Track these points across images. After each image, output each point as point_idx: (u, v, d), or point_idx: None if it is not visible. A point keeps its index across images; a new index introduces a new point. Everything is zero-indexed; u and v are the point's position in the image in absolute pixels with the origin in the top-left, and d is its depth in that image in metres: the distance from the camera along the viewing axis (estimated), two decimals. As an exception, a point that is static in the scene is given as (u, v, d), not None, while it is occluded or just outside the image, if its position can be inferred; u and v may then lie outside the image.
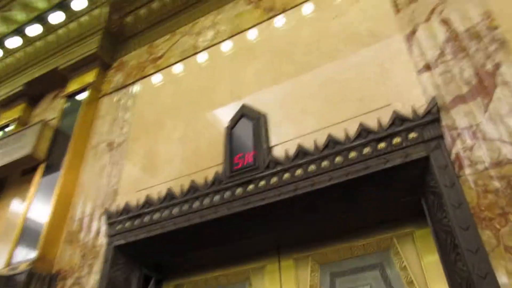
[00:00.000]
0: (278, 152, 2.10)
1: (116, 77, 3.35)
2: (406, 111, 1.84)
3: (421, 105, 1.83)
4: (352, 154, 1.85)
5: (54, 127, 3.16)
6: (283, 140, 2.15)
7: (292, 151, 2.04)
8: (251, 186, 2.05)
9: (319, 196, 1.90)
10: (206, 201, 2.14)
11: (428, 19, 2.08)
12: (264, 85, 2.44)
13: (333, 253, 2.08)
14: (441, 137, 1.70)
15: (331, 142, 1.92)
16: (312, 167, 1.93)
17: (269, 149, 2.14)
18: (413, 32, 2.08)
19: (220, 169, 2.24)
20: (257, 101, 2.38)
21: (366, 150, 1.83)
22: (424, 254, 1.85)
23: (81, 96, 3.28)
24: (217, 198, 2.12)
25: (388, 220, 2.00)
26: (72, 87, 3.41)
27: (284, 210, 2.01)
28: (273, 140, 2.18)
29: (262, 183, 2.03)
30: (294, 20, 2.61)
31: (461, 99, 1.77)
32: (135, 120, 2.90)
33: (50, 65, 3.65)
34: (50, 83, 3.69)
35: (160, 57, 3.18)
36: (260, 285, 2.20)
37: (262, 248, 2.27)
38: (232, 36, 2.86)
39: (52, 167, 2.96)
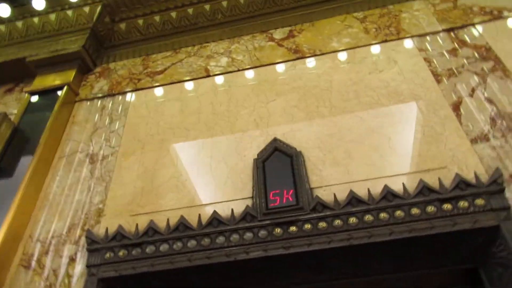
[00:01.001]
0: (321, 195, 1.93)
1: (99, 83, 2.91)
2: (466, 177, 1.83)
3: (480, 173, 1.84)
4: (415, 210, 1.75)
5: (13, 124, 2.58)
6: (326, 183, 1.98)
7: (339, 196, 1.88)
8: (293, 228, 1.82)
9: (374, 250, 1.74)
10: (235, 237, 1.84)
11: (472, 94, 2.18)
12: (295, 122, 2.29)
13: (368, 316, 1.89)
14: (509, 208, 1.70)
15: (389, 193, 1.82)
16: (368, 217, 1.78)
17: (311, 190, 1.96)
18: (459, 102, 2.16)
19: (249, 203, 1.97)
20: (290, 138, 2.20)
21: (430, 208, 1.75)
22: (472, 327, 1.77)
23: (52, 96, 2.77)
24: (249, 235, 1.83)
25: (430, 286, 1.90)
26: (41, 83, 2.87)
27: (325, 260, 1.80)
28: (313, 182, 2.00)
29: (308, 226, 1.81)
30: (325, 65, 2.57)
31: (517, 175, 1.82)
32: (127, 134, 2.49)
33: (13, 54, 3.07)
34: (7, 74, 3.09)
35: (160, 72, 2.86)
36: None
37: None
38: (252, 68, 2.71)
39: (4, 172, 2.37)
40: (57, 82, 2.85)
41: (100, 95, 2.81)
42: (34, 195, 2.25)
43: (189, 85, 2.72)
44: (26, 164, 2.37)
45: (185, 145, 2.34)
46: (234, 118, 2.41)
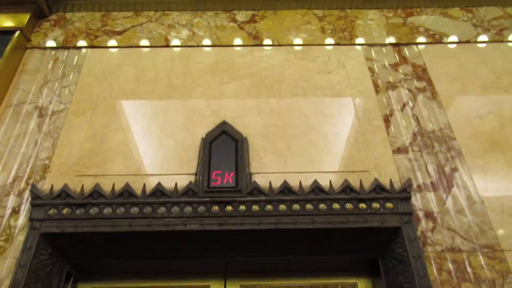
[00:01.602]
0: (258, 181, 2.14)
1: (54, 33, 2.84)
2: (383, 182, 2.13)
3: (395, 181, 2.15)
4: (336, 205, 2.03)
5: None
6: (264, 171, 2.20)
7: (274, 184, 2.11)
8: (229, 207, 2.02)
9: (298, 235, 2.01)
10: (175, 209, 2.01)
11: (402, 109, 2.47)
12: (246, 108, 2.46)
13: (281, 288, 2.19)
14: (411, 213, 2.02)
15: (317, 188, 2.07)
16: (296, 206, 2.03)
17: (251, 175, 2.16)
18: (390, 115, 2.44)
19: (192, 179, 2.14)
20: (238, 123, 2.37)
21: (348, 205, 2.03)
22: (364, 305, 2.13)
23: (1, 39, 2.66)
24: (188, 209, 2.01)
25: (338, 268, 2.22)
26: (-11, 22, 2.76)
27: (256, 239, 2.04)
28: (253, 167, 2.21)
29: (242, 207, 2.02)
30: (281, 57, 2.73)
31: (426, 187, 2.15)
32: (79, 92, 2.51)
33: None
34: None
35: (118, 33, 2.86)
36: (203, 305, 2.14)
37: (209, 269, 2.22)
38: (212, 46, 2.80)
39: None
40: (9, 24, 2.74)
41: (55, 45, 2.76)
42: (-23, 141, 2.24)
43: (146, 52, 2.76)
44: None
45: (137, 114, 2.43)
46: (188, 94, 2.52)
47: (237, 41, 2.83)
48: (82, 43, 2.78)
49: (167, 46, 2.79)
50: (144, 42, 2.80)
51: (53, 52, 2.74)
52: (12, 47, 2.61)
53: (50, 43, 2.77)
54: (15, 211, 2.03)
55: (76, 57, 2.70)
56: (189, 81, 2.59)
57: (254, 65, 2.69)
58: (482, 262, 1.91)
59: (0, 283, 1.82)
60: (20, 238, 1.94)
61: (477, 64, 2.72)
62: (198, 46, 2.81)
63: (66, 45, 2.77)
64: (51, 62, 2.67)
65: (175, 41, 2.82)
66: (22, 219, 2.00)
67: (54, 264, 1.98)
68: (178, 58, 2.73)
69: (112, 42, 2.80)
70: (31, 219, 1.97)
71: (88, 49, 2.76)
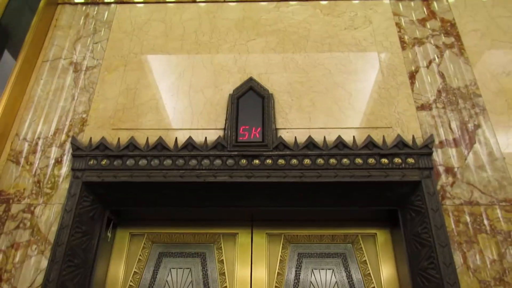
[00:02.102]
0: (284, 136, 2.23)
1: (83, -13, 2.90)
2: (406, 138, 2.19)
3: (417, 137, 2.21)
4: (359, 160, 2.12)
5: (-5, 16, 2.59)
6: (289, 126, 2.28)
7: (299, 139, 2.20)
8: (256, 161, 2.13)
9: (321, 188, 2.12)
10: (205, 162, 2.14)
11: (428, 66, 2.47)
12: (271, 65, 2.50)
13: (304, 237, 2.34)
14: (432, 168, 2.10)
15: (340, 143, 2.15)
16: (320, 160, 2.12)
17: (276, 130, 2.25)
18: (416, 71, 2.45)
19: (221, 134, 2.25)
20: (264, 79, 2.44)
21: (371, 160, 2.12)
22: (382, 254, 2.26)
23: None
24: (218, 162, 2.14)
25: (358, 219, 2.35)
26: (22, -24, 2.81)
27: (281, 191, 2.16)
28: (279, 123, 2.29)
29: (269, 161, 2.13)
30: (307, 12, 2.73)
31: (448, 143, 2.20)
32: (110, 48, 2.59)
33: None
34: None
35: (147, -12, 2.89)
36: (231, 249, 2.32)
37: (237, 217, 2.38)
38: (238, 1, 2.81)
39: (-14, 65, 2.45)
40: (40, -21, 2.80)
41: (84, 1, 2.82)
42: (19, 96, 2.38)
43: (174, 8, 2.79)
44: (10, 62, 2.45)
45: (166, 70, 2.51)
46: (215, 50, 2.58)
47: (263, -4, 2.83)
48: (110, -2, 2.84)
49: (194, 1, 2.81)
50: (170, -3, 2.84)
51: (84, 7, 2.80)
52: (45, 2, 2.68)
53: (80, -2, 2.84)
54: (58, 161, 2.19)
55: (106, 13, 2.76)
56: (216, 37, 2.64)
57: (280, 21, 2.70)
58: (499, 215, 1.99)
59: (49, 226, 2.02)
60: (64, 186, 2.12)
61: (508, 18, 2.66)
62: (224, 1, 2.82)
63: (95, 1, 2.82)
64: (82, 18, 2.75)
65: (202, -4, 2.84)
66: (64, 169, 2.17)
67: (96, 210, 2.16)
68: (205, 14, 2.75)
69: (140, -2, 2.84)
70: (73, 169, 2.14)
71: (117, 5, 2.81)
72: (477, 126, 2.25)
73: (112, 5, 2.81)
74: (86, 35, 2.66)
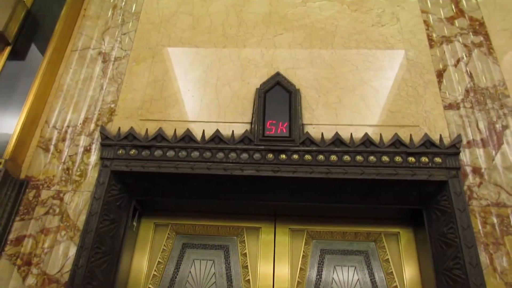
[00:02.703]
0: (310, 132, 2.24)
1: (112, -22, 2.92)
2: (433, 137, 2.18)
3: (445, 136, 2.20)
4: (385, 158, 2.12)
5: (26, 7, 2.61)
6: (316, 122, 2.28)
7: (326, 135, 2.20)
8: (283, 156, 2.14)
9: (347, 185, 2.12)
10: (232, 155, 2.15)
11: (456, 65, 2.45)
12: (298, 60, 2.50)
13: (327, 233, 2.35)
14: (459, 168, 2.09)
15: (367, 141, 2.15)
16: (346, 157, 2.13)
17: (303, 126, 2.26)
18: (444, 70, 2.43)
19: (248, 127, 2.26)
20: (291, 74, 2.44)
21: (397, 158, 2.11)
22: (405, 253, 2.27)
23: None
24: (244, 156, 2.15)
25: (381, 218, 2.35)
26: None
27: (307, 186, 2.17)
28: (305, 119, 2.29)
29: (295, 156, 2.14)
30: (334, 8, 2.72)
31: (475, 143, 2.19)
32: (138, 39, 2.61)
33: None
34: None
35: (173, -20, 2.90)
36: (254, 243, 2.34)
37: (260, 211, 2.40)
38: (265, -5, 2.81)
39: (17, 54, 2.48)
40: (69, -31, 2.82)
41: (111, -9, 2.85)
42: (49, 84, 2.41)
43: (201, 1, 2.79)
44: (40, 50, 2.49)
45: (194, 62, 2.52)
46: (242, 44, 2.58)
47: (290, -10, 2.82)
48: (138, -10, 2.85)
49: (221, -5, 2.82)
50: (198, -10, 2.84)
51: (112, -2, 2.83)
52: (74, -7, 2.71)
53: (108, -11, 2.86)
54: (87, 150, 2.22)
55: (134, 5, 2.78)
56: (243, 31, 2.64)
57: (307, 17, 2.69)
58: (526, 218, 1.99)
59: (78, 212, 2.05)
60: (92, 174, 2.15)
61: (538, 19, 2.63)
62: (252, -5, 2.83)
63: (123, -8, 2.85)
64: (110, 8, 2.77)
65: (228, -10, 2.84)
66: (93, 157, 2.20)
67: (123, 198, 2.19)
68: (231, 8, 2.76)
69: (167, -10, 2.85)
70: (102, 158, 2.17)
71: (145, -4, 2.83)
72: (505, 127, 2.23)
73: (139, -3, 2.83)
74: (114, 25, 2.69)
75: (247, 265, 2.28)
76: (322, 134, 2.20)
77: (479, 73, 2.42)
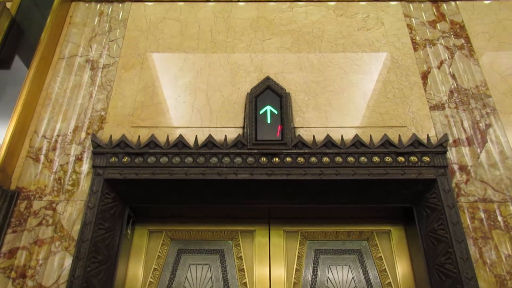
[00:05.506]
0: (302, 134, 2.27)
1: (96, -16, 2.90)
2: (420, 137, 2.25)
3: (431, 136, 2.27)
4: (376, 159, 2.17)
5: (11, 16, 2.57)
6: (307, 125, 2.32)
7: (317, 137, 2.24)
8: (276, 159, 2.17)
9: (340, 185, 2.16)
10: (226, 160, 2.17)
11: (439, 67, 2.53)
12: (287, 64, 2.54)
13: (321, 233, 2.39)
14: (446, 166, 2.16)
15: (358, 142, 2.20)
16: (338, 159, 2.17)
17: (294, 129, 2.29)
18: (428, 72, 2.51)
19: (240, 132, 2.28)
20: (280, 78, 2.47)
21: (388, 158, 2.17)
22: (397, 250, 2.32)
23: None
24: (238, 160, 2.17)
25: (373, 216, 2.40)
26: (35, -28, 2.80)
27: (300, 188, 2.20)
28: (296, 122, 2.33)
29: (288, 159, 2.17)
30: (320, 13, 2.77)
31: (461, 142, 2.27)
32: (126, 46, 2.60)
33: None
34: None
35: (160, -14, 2.90)
36: (250, 246, 2.36)
37: (254, 214, 2.42)
38: (252, 1, 2.84)
39: (2, 64, 2.44)
40: (53, -23, 2.79)
41: (99, -1, 2.83)
42: (36, 93, 2.37)
43: (188, 7, 2.81)
44: (26, 59, 2.46)
45: (184, 68, 2.53)
46: (231, 49, 2.61)
47: (276, -4, 2.87)
48: (124, -4, 2.84)
49: (208, 1, 2.84)
50: (185, -4, 2.85)
51: (98, 5, 2.80)
52: (59, 0, 2.67)
53: (94, -4, 2.84)
54: (78, 158, 2.20)
55: (121, 12, 2.77)
56: (232, 36, 2.67)
57: (294, 22, 2.74)
58: (512, 212, 2.07)
59: (72, 222, 2.03)
60: (86, 183, 2.13)
61: (514, 21, 2.74)
62: (239, 1, 2.85)
63: (110, -1, 2.83)
64: (97, 15, 2.75)
65: (215, -4, 2.86)
66: (85, 166, 2.18)
67: (117, 206, 2.18)
68: (219, 13, 2.78)
69: (154, -4, 2.85)
70: (94, 166, 2.15)
71: (132, 3, 2.82)
72: (488, 126, 2.32)
73: (127, 3, 2.82)
74: (101, 32, 2.67)
75: (243, 268, 2.30)
76: (313, 136, 2.24)
77: (462, 74, 2.50)
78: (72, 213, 2.06)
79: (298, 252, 2.33)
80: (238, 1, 2.84)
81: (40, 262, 1.95)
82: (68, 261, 1.94)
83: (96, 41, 2.63)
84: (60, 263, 1.94)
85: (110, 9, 2.78)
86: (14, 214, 2.05)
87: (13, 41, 2.53)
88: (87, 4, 2.80)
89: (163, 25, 2.71)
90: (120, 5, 2.80)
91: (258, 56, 2.58)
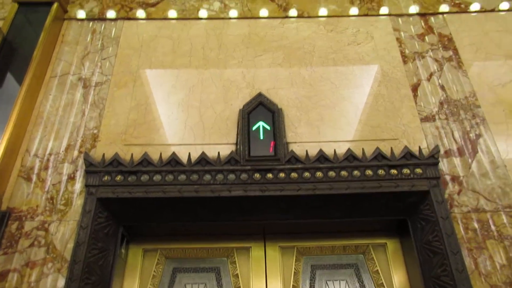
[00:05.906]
0: (295, 149, 2.28)
1: (89, 4, 2.91)
2: (412, 149, 2.26)
3: (423, 147, 2.28)
4: (369, 172, 2.18)
5: (2, 34, 2.58)
6: (300, 140, 2.33)
7: (310, 152, 2.25)
8: (270, 175, 2.17)
9: (333, 200, 2.17)
10: (219, 176, 2.16)
11: (429, 79, 2.56)
12: (279, 80, 2.56)
13: (317, 249, 2.38)
14: (439, 178, 2.17)
15: (351, 156, 2.21)
16: (332, 173, 2.18)
17: (287, 144, 2.30)
18: (418, 84, 2.54)
19: (233, 148, 2.28)
20: (272, 94, 2.49)
21: (380, 171, 2.18)
22: (393, 263, 2.32)
23: (40, 9, 2.74)
24: (231, 176, 2.17)
25: (368, 230, 2.40)
26: (28, -6, 2.82)
27: (294, 204, 2.20)
28: (289, 137, 2.34)
29: (282, 175, 2.17)
30: (310, 29, 2.81)
31: (452, 152, 2.29)
32: (119, 64, 2.61)
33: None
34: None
35: (152, 5, 2.92)
36: (245, 263, 2.34)
37: (249, 231, 2.40)
38: (244, 18, 2.87)
39: (-7, 83, 2.44)
40: (46, -4, 2.81)
41: (91, 17, 2.84)
42: (28, 111, 2.37)
43: (180, 25, 2.83)
44: (18, 77, 2.45)
45: (176, 85, 2.54)
46: (223, 66, 2.63)
47: (268, 13, 2.89)
48: (117, 14, 2.85)
49: (200, 18, 2.86)
50: (178, 14, 2.87)
51: (90, 23, 2.82)
52: (52, 18, 2.68)
53: (86, 14, 2.85)
54: (71, 178, 2.19)
55: (114, 29, 2.79)
56: (223, 53, 2.69)
57: (285, 38, 2.77)
58: (505, 221, 2.07)
59: (65, 243, 2.01)
60: (78, 202, 2.12)
61: (500, 32, 2.79)
62: (230, 18, 2.88)
63: (102, 17, 2.84)
64: (89, 34, 2.76)
65: (207, 13, 2.88)
66: (78, 185, 2.17)
67: (111, 226, 2.16)
68: (211, 31, 2.81)
69: (147, 15, 2.87)
70: (87, 185, 2.13)
71: (124, 21, 2.84)
72: (479, 136, 2.34)
73: (119, 21, 2.84)
74: (94, 51, 2.68)
75: (239, 286, 2.27)
76: (306, 151, 2.25)
77: (451, 86, 2.54)
78: (64, 233, 2.03)
79: (295, 268, 2.31)
80: (230, 18, 2.88)
81: (32, 284, 1.92)
82: (61, 283, 1.92)
83: (89, 59, 2.64)
84: (52, 285, 1.91)
85: (102, 27, 2.80)
86: (5, 235, 2.02)
87: (5, 60, 2.52)
88: (79, 22, 2.82)
89: (155, 43, 2.73)
90: (113, 23, 2.82)
91: (250, 72, 2.60)
